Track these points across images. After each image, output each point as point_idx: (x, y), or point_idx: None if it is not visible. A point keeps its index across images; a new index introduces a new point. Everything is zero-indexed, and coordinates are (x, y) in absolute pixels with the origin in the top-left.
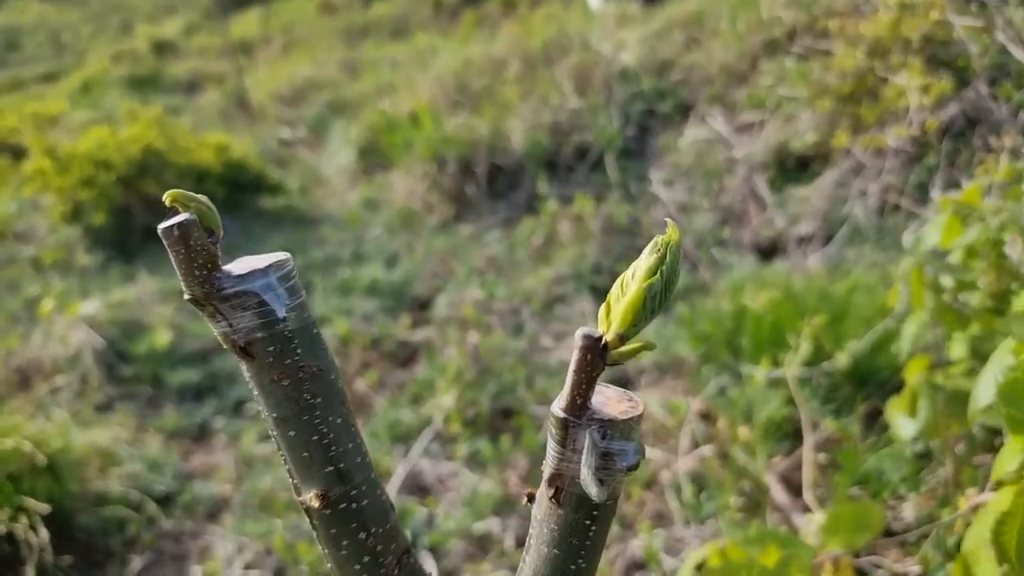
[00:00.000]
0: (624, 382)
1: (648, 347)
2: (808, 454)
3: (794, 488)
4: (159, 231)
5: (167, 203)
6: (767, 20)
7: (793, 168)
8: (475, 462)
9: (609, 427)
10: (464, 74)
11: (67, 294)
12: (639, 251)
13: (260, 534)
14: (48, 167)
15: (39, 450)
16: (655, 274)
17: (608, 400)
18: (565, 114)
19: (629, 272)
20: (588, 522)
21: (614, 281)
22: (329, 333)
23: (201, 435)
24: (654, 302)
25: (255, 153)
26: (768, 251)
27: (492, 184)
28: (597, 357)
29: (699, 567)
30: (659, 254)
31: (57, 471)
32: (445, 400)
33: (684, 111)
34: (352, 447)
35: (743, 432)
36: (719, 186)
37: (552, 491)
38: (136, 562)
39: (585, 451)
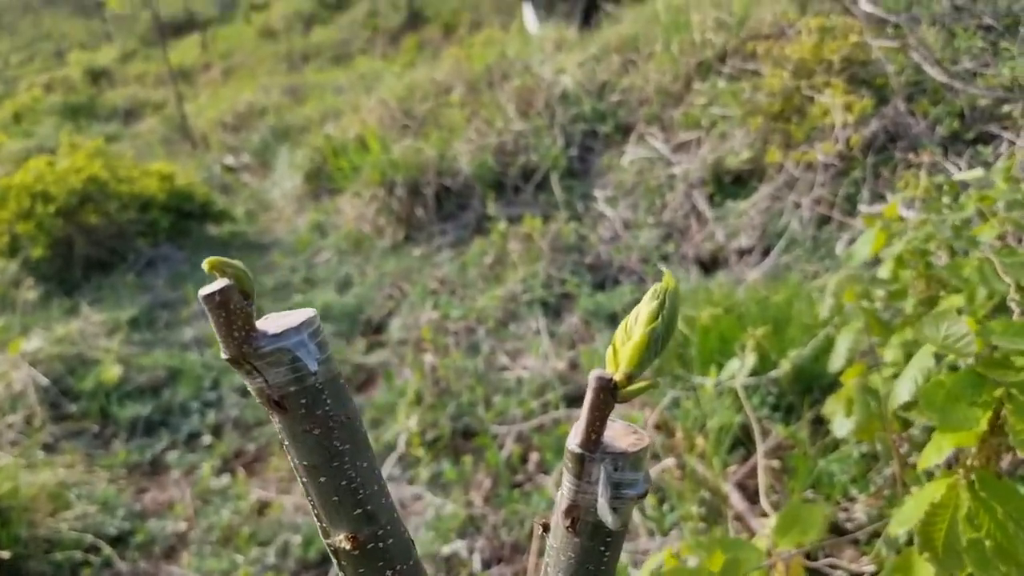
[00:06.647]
0: (582, 397)
1: (654, 385)
2: (761, 461)
3: (751, 494)
4: (200, 298)
5: (206, 270)
6: (699, 43)
7: (730, 183)
8: (437, 484)
9: (620, 459)
10: (409, 98)
11: (6, 330)
12: (588, 268)
13: (222, 571)
14: None
15: None
16: (656, 319)
17: (616, 434)
18: (510, 136)
19: (632, 317)
20: (603, 548)
21: (565, 298)
22: None
23: (154, 470)
24: (657, 344)
25: (199, 180)
26: (710, 264)
27: (441, 206)
28: (609, 396)
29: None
30: (659, 300)
31: (5, 516)
32: (407, 423)
33: (624, 131)
34: (377, 489)
35: (699, 442)
36: (661, 203)
37: (569, 521)
38: None
39: (600, 483)
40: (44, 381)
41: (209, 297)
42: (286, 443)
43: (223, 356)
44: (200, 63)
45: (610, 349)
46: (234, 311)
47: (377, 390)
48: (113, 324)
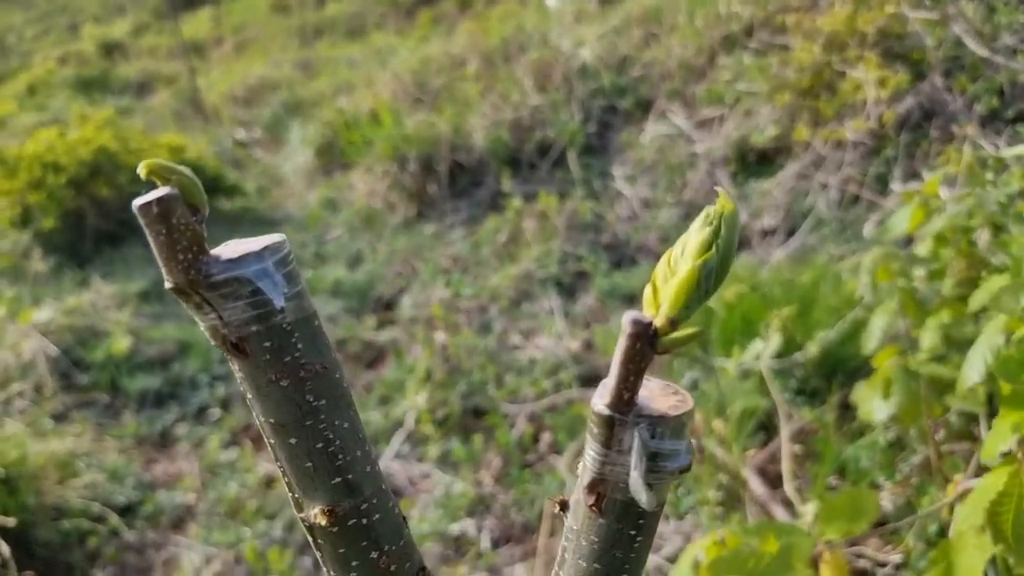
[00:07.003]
0: (596, 378)
1: (701, 334)
2: (785, 445)
3: (771, 480)
4: (135, 208)
5: (142, 175)
6: (724, 15)
7: (754, 162)
8: (447, 463)
9: (659, 424)
10: (423, 72)
11: (18, 301)
12: (604, 247)
13: (228, 543)
14: None
15: None
16: (710, 249)
17: (653, 394)
18: (526, 111)
19: (677, 249)
20: (633, 532)
21: (580, 277)
22: None
23: (163, 442)
24: (708, 281)
25: (211, 154)
26: None
27: (454, 182)
28: (647, 345)
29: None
30: (713, 227)
31: (13, 484)
32: (415, 400)
33: (645, 107)
34: (361, 455)
35: (718, 425)
36: (682, 181)
37: (593, 498)
38: None
39: (634, 453)
40: (54, 351)
41: (145, 208)
42: (249, 396)
43: (167, 284)
44: (213, 37)
45: (648, 288)
46: (177, 227)
47: (387, 367)
48: (123, 296)
